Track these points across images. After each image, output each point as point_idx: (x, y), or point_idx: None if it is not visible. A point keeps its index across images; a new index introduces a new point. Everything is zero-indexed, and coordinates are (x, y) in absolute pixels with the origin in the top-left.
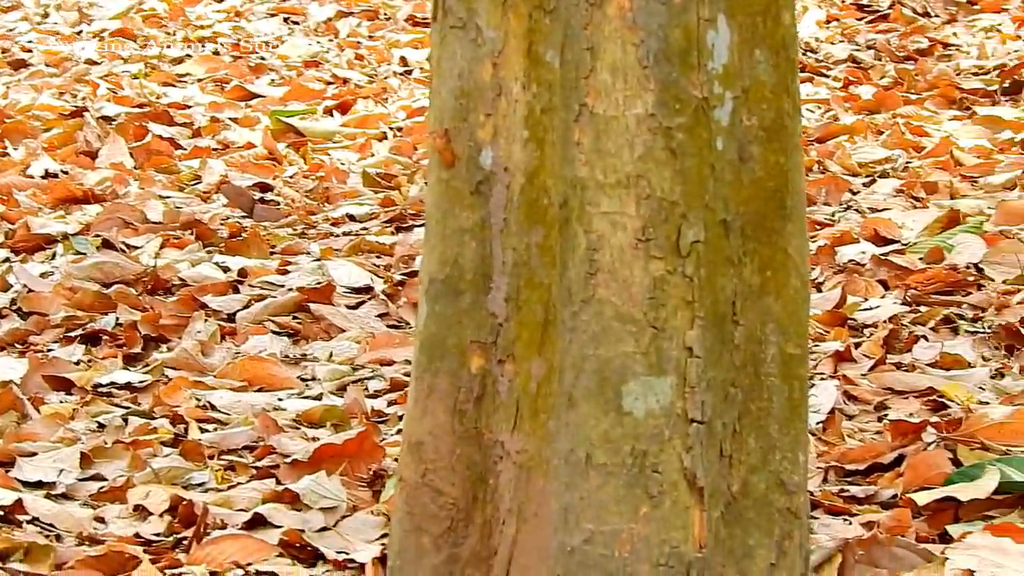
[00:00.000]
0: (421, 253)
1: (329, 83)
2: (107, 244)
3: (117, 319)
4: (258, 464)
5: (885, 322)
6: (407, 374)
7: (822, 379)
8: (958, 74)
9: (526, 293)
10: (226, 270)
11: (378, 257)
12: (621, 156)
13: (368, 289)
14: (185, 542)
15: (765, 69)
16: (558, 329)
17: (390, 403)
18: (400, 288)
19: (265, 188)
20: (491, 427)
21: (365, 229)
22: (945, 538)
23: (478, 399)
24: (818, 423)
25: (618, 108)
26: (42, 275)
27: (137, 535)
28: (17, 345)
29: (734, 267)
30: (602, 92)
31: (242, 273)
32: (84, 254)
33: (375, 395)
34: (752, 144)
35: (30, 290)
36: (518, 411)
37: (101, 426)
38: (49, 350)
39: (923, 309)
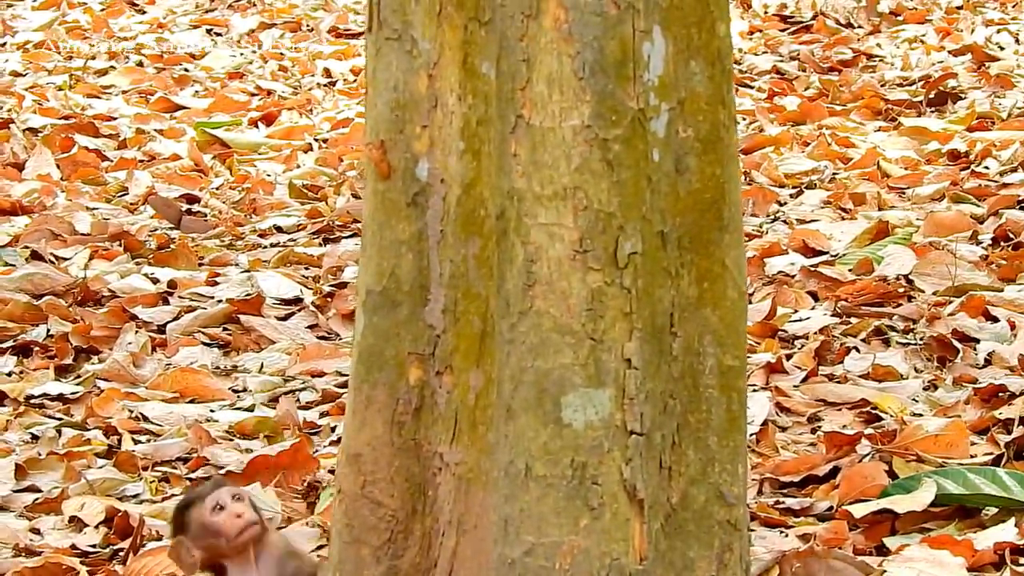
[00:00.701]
0: (357, 264)
1: (253, 95)
2: (36, 256)
3: (48, 330)
4: (192, 475)
5: (816, 334)
6: (339, 386)
7: (754, 391)
8: (883, 85)
9: (464, 304)
10: (155, 281)
11: (306, 268)
12: (558, 168)
13: (297, 300)
14: (121, 553)
15: (701, 81)
16: (496, 341)
17: (322, 414)
18: (329, 299)
19: (192, 199)
20: (430, 439)
21: (293, 240)
22: (882, 550)
23: (416, 411)
24: (751, 435)
25: (554, 120)
26: None
27: (73, 547)
28: None
29: (672, 279)
30: (538, 103)
31: (171, 285)
32: (13, 266)
33: (307, 407)
34: (688, 155)
35: None
36: (457, 423)
37: (35, 437)
38: None
39: (854, 321)
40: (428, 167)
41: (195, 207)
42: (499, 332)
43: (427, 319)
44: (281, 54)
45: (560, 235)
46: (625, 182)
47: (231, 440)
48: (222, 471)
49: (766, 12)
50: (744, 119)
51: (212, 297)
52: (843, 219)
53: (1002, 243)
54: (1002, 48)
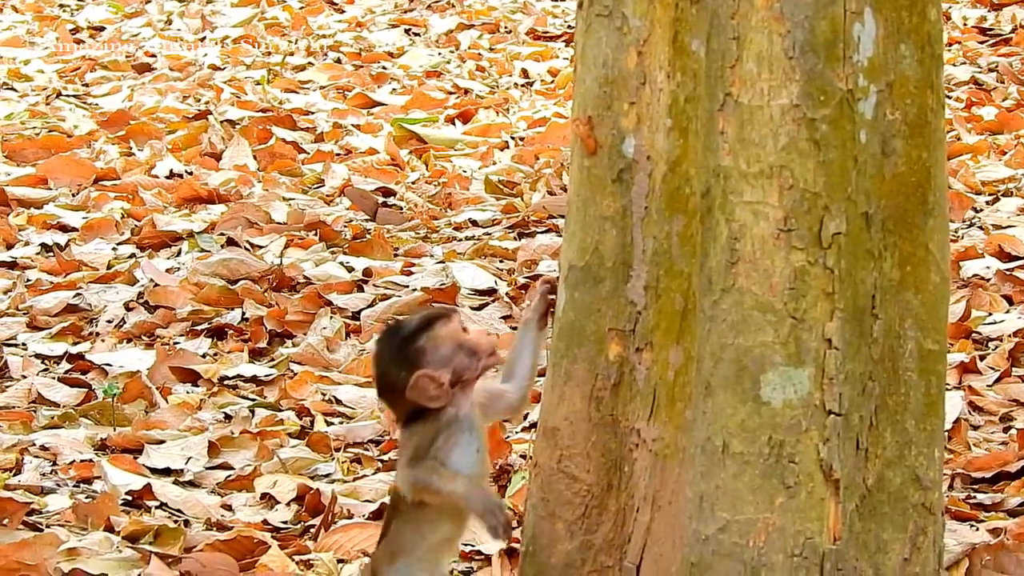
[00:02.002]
0: (553, 258)
1: (450, 93)
2: (232, 242)
3: (243, 314)
4: (384, 457)
5: (1010, 336)
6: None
7: (948, 389)
8: None
9: (666, 281)
10: (350, 270)
11: (501, 261)
12: (765, 146)
13: (492, 291)
14: (312, 530)
15: (910, 64)
16: (697, 318)
17: None
18: (523, 291)
19: (388, 192)
20: (627, 415)
21: (488, 234)
22: None
23: (615, 387)
24: (943, 432)
25: (763, 98)
26: (168, 271)
27: (265, 522)
28: (144, 337)
29: (875, 260)
30: (747, 82)
31: (366, 273)
32: (209, 251)
33: None
34: (895, 138)
35: (156, 284)
36: (655, 399)
37: (228, 417)
38: (176, 343)
39: None
40: (635, 144)
41: (391, 200)
42: (700, 309)
43: (629, 295)
44: (479, 54)
45: (765, 213)
46: (831, 162)
47: None
48: None
49: (965, 24)
50: None
51: (407, 286)
52: None
53: None
54: None
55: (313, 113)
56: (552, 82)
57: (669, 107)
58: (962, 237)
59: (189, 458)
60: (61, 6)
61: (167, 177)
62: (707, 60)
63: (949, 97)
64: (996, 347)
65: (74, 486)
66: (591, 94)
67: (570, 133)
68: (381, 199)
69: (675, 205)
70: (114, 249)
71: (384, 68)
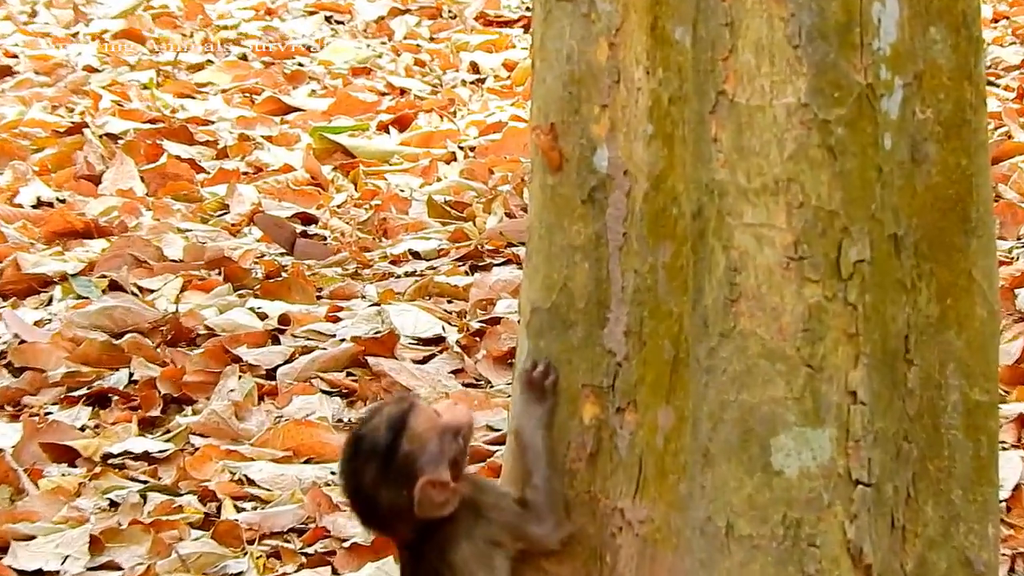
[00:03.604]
0: (513, 296)
1: (383, 94)
2: (115, 286)
3: (131, 375)
4: (309, 550)
5: None
6: (492, 443)
7: (1004, 448)
8: None
9: (651, 325)
10: (263, 317)
11: (449, 302)
12: (768, 155)
13: (439, 340)
14: None
15: (942, 50)
16: (691, 370)
17: None
18: (478, 339)
19: (308, 219)
20: (608, 491)
21: (433, 268)
22: None
23: (592, 457)
24: (1000, 501)
25: (764, 96)
26: (37, 323)
27: None
28: (8, 407)
29: (907, 293)
30: (744, 77)
31: (283, 321)
32: (88, 298)
33: None
34: (927, 142)
35: (23, 341)
36: (641, 471)
37: (114, 504)
38: (48, 413)
39: None
40: (608, 156)
41: (312, 228)
42: (694, 359)
43: (606, 343)
44: (417, 46)
45: (770, 238)
46: (850, 173)
47: None
48: (345, 544)
49: None
50: (989, 123)
51: (333, 336)
52: None
53: None
54: None
55: (214, 123)
56: (508, 78)
57: (649, 110)
58: (1016, 259)
59: (66, 556)
60: None
61: (33, 207)
62: (694, 51)
63: (995, 85)
64: None
65: None
66: (553, 96)
67: (530, 143)
68: (300, 228)
69: (660, 230)
70: None
71: (300, 65)
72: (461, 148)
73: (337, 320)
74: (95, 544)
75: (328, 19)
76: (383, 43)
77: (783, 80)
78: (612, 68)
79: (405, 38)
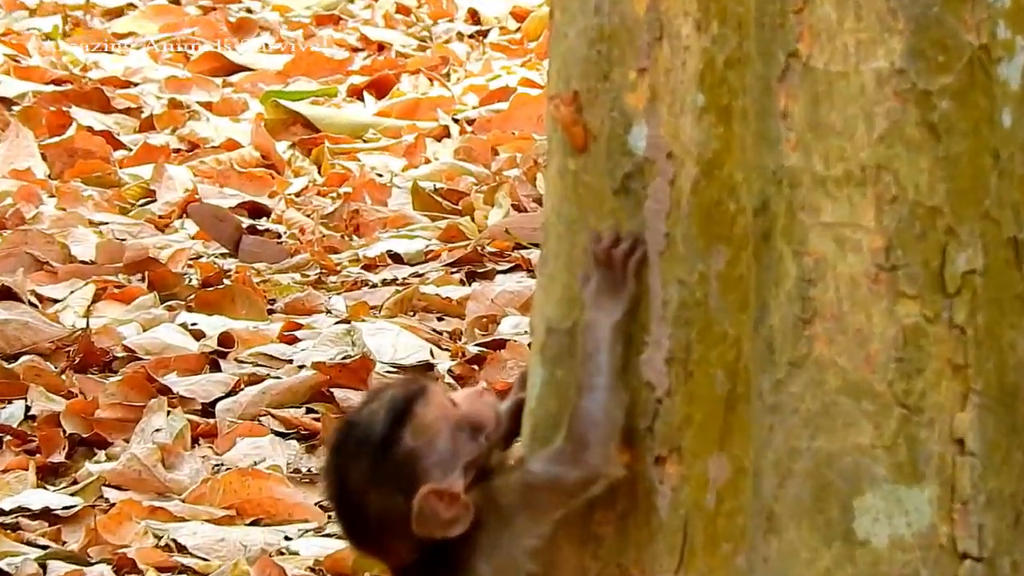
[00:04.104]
0: (523, 310)
1: (356, 49)
2: (8, 294)
3: (27, 409)
4: None
5: None
6: None
7: None
8: None
9: (700, 350)
10: (199, 336)
11: (440, 319)
12: (852, 135)
13: (425, 368)
14: None
15: None
16: (752, 408)
17: None
18: (476, 368)
19: (258, 211)
20: (643, 564)
21: (418, 275)
22: None
23: (623, 519)
24: None
25: (848, 60)
26: None
27: None
28: None
29: None
30: (823, 34)
31: (224, 341)
32: None
33: None
34: None
35: None
36: (686, 539)
37: (5, 574)
38: None
39: None
40: (648, 134)
41: (262, 222)
42: (756, 394)
43: (643, 373)
44: None
45: (855, 241)
46: (957, 159)
47: None
48: None
49: None
50: None
51: (290, 361)
52: None
53: None
54: None
55: (136, 85)
56: (518, 30)
57: (700, 75)
58: None
59: None
60: None
61: None
62: (757, 1)
63: None
64: None
65: None
66: (577, 56)
67: (546, 116)
68: (247, 221)
69: (713, 230)
70: None
71: (250, 12)
72: (456, 121)
73: (294, 341)
74: None
75: None
76: None
77: (873, 39)
78: (653, 21)
79: None
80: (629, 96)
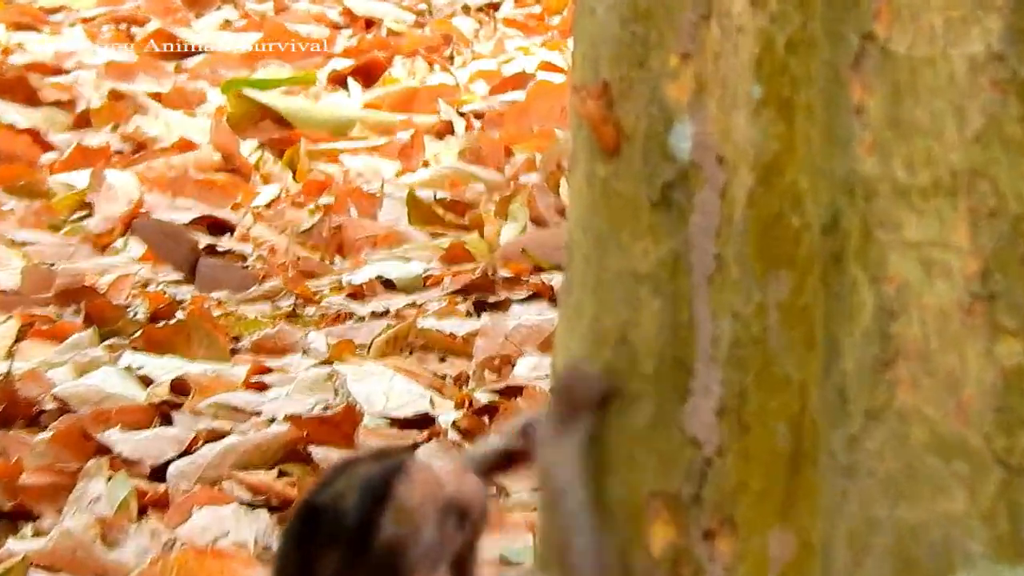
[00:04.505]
0: (543, 349)
1: (338, 27)
2: None
3: None
4: None
5: None
6: None
7: None
8: None
9: (758, 400)
10: (147, 382)
11: (442, 359)
12: (941, 134)
13: (425, 421)
14: None
15: None
16: (820, 469)
17: None
18: (487, 419)
19: (219, 227)
20: None
21: (416, 306)
22: None
23: None
24: None
25: (935, 43)
26: None
27: None
28: None
29: None
30: (905, 11)
31: (178, 388)
32: None
33: None
34: None
35: None
36: None
37: None
38: None
39: None
40: (693, 133)
41: (224, 241)
42: (827, 452)
43: (688, 427)
44: None
45: (945, 264)
46: None
47: None
48: None
49: None
50: None
51: (258, 413)
52: None
53: None
54: None
55: (70, 72)
56: (537, 2)
57: (757, 62)
58: None
59: None
60: None
61: None
62: None
63: None
64: None
65: None
66: (607, 38)
67: (571, 110)
68: (205, 240)
69: (773, 250)
70: None
71: None
72: (462, 114)
73: (263, 388)
74: None
75: None
76: None
77: (965, 17)
78: None
79: None
80: (670, 87)
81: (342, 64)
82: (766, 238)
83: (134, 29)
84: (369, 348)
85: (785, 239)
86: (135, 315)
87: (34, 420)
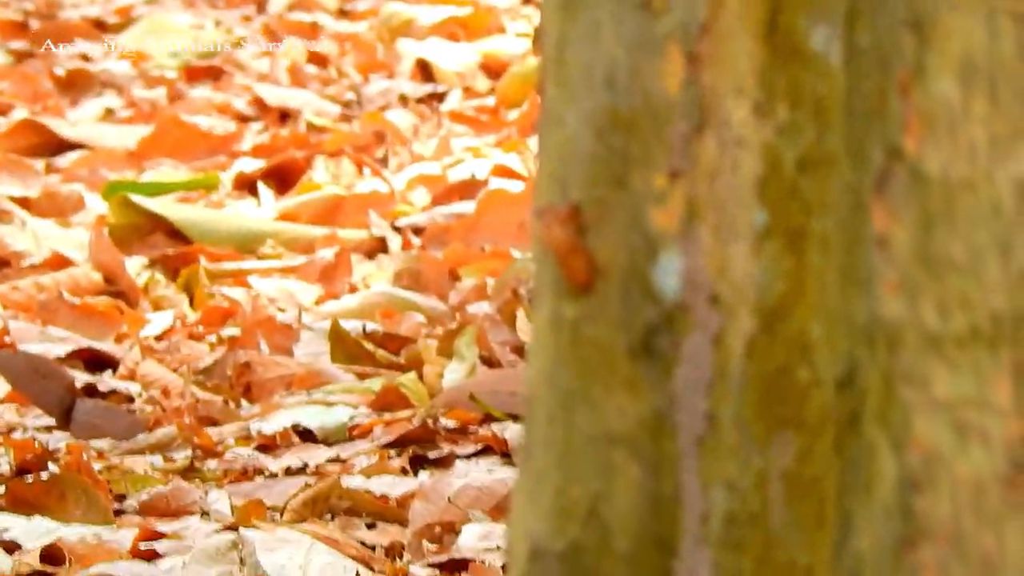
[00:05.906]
0: (513, 488)
1: (247, 119)
2: None
3: None
4: None
5: None
6: None
7: None
8: None
9: None
10: (11, 549)
11: (371, 526)
12: (981, 273)
13: None
14: None
15: None
16: None
17: None
18: None
19: (99, 363)
20: None
21: (339, 461)
22: None
23: None
24: None
25: (975, 162)
26: None
27: None
28: None
29: None
30: (940, 124)
31: (50, 557)
32: None
33: None
34: None
35: None
36: None
37: None
38: None
39: None
40: (682, 268)
41: (106, 379)
42: None
43: None
44: (314, 24)
45: (982, 428)
46: None
47: None
48: None
49: None
50: None
51: None
52: None
53: None
54: None
55: None
56: (491, 92)
57: (761, 183)
58: None
59: None
60: None
61: None
62: (847, 72)
63: None
64: None
65: None
66: (579, 151)
67: (534, 238)
68: (83, 378)
69: (777, 410)
70: None
71: (86, 60)
72: (397, 229)
73: (154, 557)
74: None
75: None
76: (247, 18)
77: (1014, 132)
78: (692, 102)
79: (290, 9)
80: (655, 212)
81: (251, 165)
82: (768, 395)
83: None
84: (283, 511)
85: (791, 396)
86: None
87: None
